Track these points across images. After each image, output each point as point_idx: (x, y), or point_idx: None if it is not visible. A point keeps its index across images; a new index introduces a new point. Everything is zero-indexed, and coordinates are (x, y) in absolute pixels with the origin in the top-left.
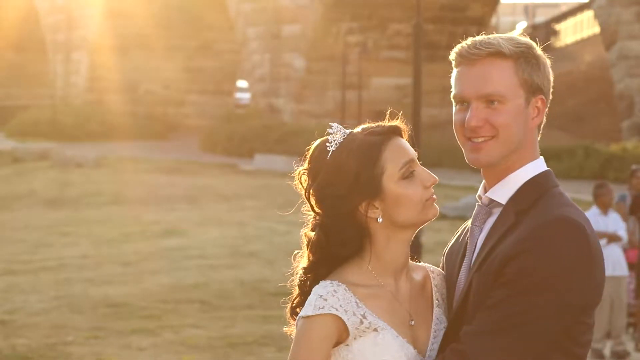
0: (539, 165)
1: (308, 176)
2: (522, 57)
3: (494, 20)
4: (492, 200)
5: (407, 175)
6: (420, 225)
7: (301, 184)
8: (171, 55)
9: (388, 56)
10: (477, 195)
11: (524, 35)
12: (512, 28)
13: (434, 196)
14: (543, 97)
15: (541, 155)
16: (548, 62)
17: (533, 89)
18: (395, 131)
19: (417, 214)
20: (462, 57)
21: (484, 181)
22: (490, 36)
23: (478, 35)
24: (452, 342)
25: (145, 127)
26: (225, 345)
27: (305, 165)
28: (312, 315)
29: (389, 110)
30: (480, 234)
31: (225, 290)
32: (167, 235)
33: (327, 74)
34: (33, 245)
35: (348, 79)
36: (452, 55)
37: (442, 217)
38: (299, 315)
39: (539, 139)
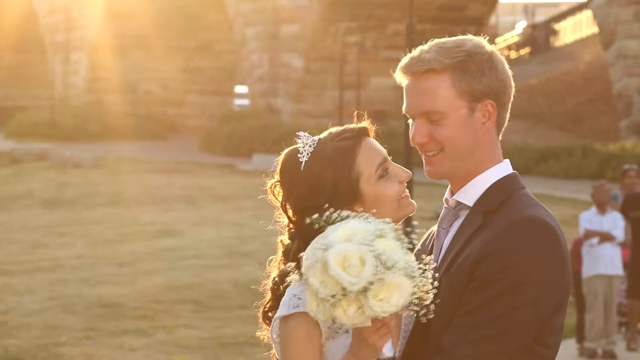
0: (505, 168)
1: (282, 188)
2: (459, 67)
3: (493, 19)
4: (459, 203)
5: (383, 174)
6: (398, 222)
7: (275, 196)
8: (170, 56)
9: (386, 56)
10: (443, 199)
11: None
12: (512, 27)
13: (407, 192)
14: (491, 100)
15: (538, 155)
16: (499, 61)
17: (476, 96)
18: (364, 132)
19: (396, 210)
20: (404, 73)
21: (450, 185)
22: (431, 48)
23: (477, 35)
24: (423, 345)
25: (144, 128)
26: (216, 345)
27: (277, 177)
28: (288, 315)
29: (355, 112)
30: (446, 236)
31: (220, 291)
32: (163, 236)
33: (326, 74)
34: (29, 246)
35: (346, 79)
36: (397, 70)
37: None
38: (275, 316)
39: (500, 138)
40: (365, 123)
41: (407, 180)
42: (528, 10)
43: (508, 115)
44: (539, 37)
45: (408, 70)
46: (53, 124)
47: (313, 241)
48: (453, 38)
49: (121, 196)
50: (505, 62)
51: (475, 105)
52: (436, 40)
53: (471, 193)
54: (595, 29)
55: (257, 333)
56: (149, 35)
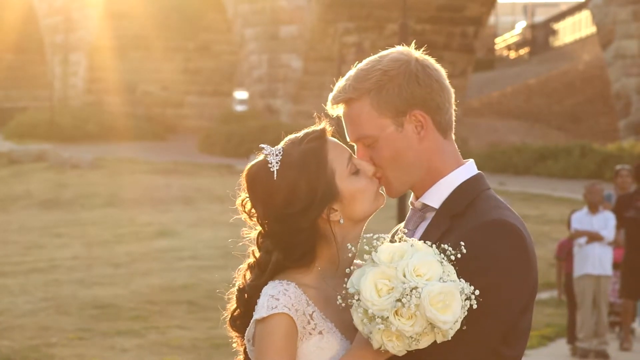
0: (470, 169)
1: (254, 202)
2: (374, 88)
3: (492, 19)
4: (425, 205)
5: (354, 170)
6: (372, 214)
7: (246, 212)
8: (170, 57)
9: None
10: (409, 201)
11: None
12: (512, 27)
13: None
14: (418, 110)
15: (537, 155)
16: (420, 68)
17: (400, 110)
18: (325, 133)
19: (371, 204)
20: (332, 104)
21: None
22: (350, 75)
23: (475, 35)
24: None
25: (143, 129)
26: (209, 346)
27: (246, 192)
28: (266, 317)
29: (314, 114)
30: (412, 238)
31: (214, 291)
32: (160, 237)
33: (325, 74)
34: (25, 247)
35: None
36: (328, 102)
37: None
38: (253, 319)
39: (453, 139)
40: (324, 124)
41: (373, 173)
42: (527, 10)
43: (451, 115)
44: (538, 37)
45: (333, 101)
46: (52, 125)
47: (369, 278)
48: (372, 57)
49: (119, 197)
50: (432, 66)
51: (401, 119)
52: (357, 65)
53: (437, 195)
54: (594, 29)
55: (234, 345)
56: (148, 36)
